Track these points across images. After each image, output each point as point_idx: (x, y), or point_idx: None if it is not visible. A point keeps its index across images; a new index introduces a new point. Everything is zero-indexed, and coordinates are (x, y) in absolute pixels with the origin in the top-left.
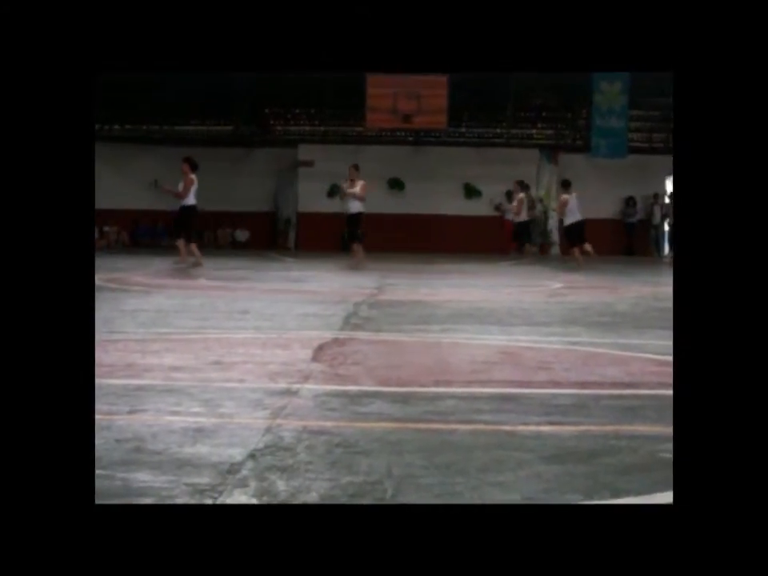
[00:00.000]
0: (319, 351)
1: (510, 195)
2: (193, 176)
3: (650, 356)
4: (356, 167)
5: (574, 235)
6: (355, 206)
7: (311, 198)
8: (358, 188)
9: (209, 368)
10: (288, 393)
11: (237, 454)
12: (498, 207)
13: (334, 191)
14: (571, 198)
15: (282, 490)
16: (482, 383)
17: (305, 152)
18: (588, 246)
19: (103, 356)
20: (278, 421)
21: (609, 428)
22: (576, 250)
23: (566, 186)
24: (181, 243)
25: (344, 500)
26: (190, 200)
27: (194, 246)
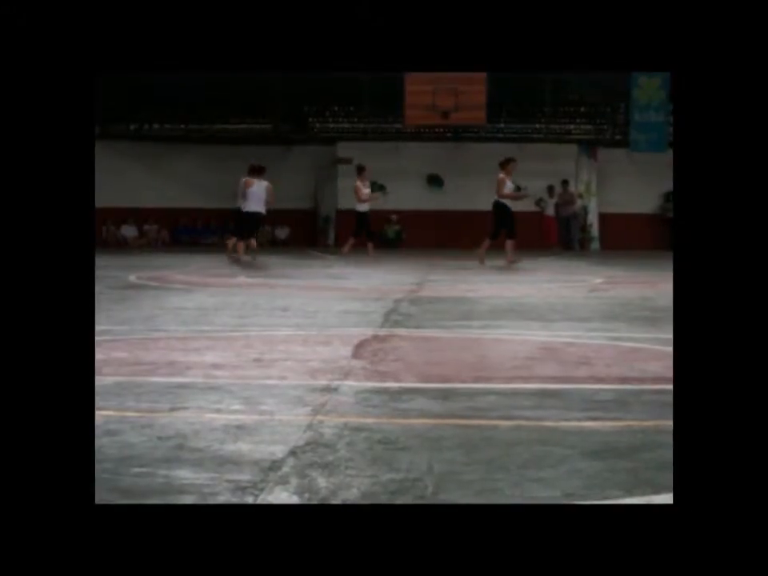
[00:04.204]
0: (359, 348)
1: (551, 190)
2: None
3: None
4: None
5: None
6: (364, 206)
7: (351, 196)
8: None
9: (250, 365)
10: (328, 390)
11: (278, 451)
12: (538, 203)
13: (373, 189)
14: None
15: (323, 487)
16: (523, 379)
17: (344, 149)
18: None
19: (145, 354)
20: (319, 418)
21: (650, 423)
22: (239, 244)
23: (255, 171)
24: (370, 247)
25: (385, 497)
26: (363, 206)
27: (370, 245)
